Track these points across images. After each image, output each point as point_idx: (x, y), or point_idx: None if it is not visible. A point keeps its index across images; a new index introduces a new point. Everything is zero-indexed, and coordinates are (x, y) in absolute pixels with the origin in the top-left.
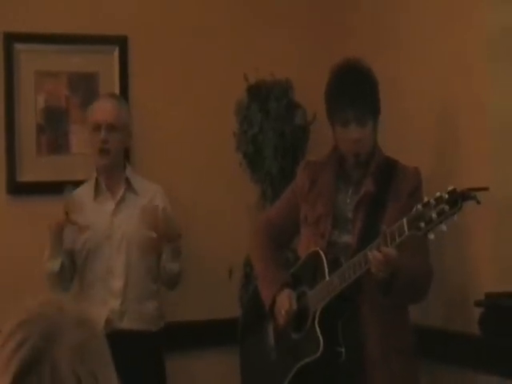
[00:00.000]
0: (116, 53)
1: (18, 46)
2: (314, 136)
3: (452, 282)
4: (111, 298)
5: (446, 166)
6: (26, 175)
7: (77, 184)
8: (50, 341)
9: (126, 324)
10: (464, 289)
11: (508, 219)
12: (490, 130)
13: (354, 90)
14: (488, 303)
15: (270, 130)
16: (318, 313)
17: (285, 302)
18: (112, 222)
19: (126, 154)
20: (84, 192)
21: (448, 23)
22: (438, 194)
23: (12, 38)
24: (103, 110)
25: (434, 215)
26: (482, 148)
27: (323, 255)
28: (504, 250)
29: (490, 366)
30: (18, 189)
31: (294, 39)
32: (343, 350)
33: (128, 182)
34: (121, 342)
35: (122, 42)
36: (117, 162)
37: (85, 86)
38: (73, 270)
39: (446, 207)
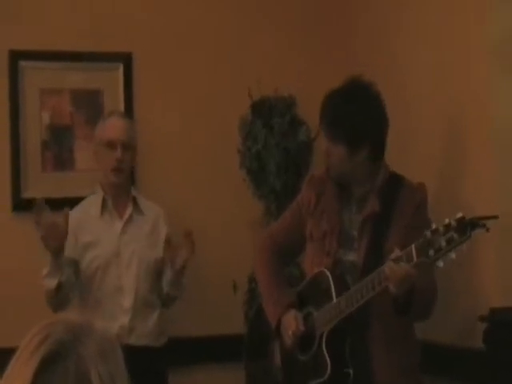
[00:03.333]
0: (120, 70)
1: (23, 64)
2: (317, 152)
3: (457, 298)
4: (121, 315)
5: (451, 181)
6: (31, 192)
7: (81, 200)
8: (76, 338)
9: (133, 340)
10: (469, 304)
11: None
12: (496, 145)
13: (333, 108)
14: (492, 318)
15: (273, 146)
16: (325, 335)
17: (292, 323)
18: (120, 241)
19: (131, 172)
20: (88, 209)
21: (450, 33)
22: (446, 220)
23: (17, 56)
24: (118, 128)
25: (443, 243)
26: (487, 165)
27: (330, 276)
28: (508, 266)
29: (495, 381)
30: (22, 205)
31: (298, 55)
32: (351, 370)
33: (135, 201)
34: (129, 358)
35: (126, 59)
36: (127, 181)
37: (89, 103)
38: (71, 288)
39: (455, 235)
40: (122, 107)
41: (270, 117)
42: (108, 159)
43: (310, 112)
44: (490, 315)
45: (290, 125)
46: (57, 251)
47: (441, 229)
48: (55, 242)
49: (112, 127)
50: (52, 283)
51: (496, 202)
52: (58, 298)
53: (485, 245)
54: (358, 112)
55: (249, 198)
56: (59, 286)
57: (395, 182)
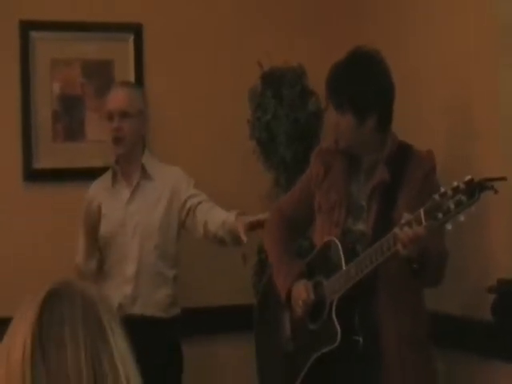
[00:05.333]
0: (131, 40)
1: (34, 34)
2: (327, 123)
3: (466, 269)
4: (124, 284)
5: (460, 151)
6: (42, 162)
7: (92, 171)
8: (76, 286)
9: (137, 309)
10: (478, 276)
11: None
12: (503, 116)
13: (339, 76)
14: (501, 289)
15: (283, 117)
16: (334, 303)
17: (302, 292)
18: (126, 210)
19: (142, 141)
20: (103, 182)
21: (460, 11)
22: (454, 183)
23: (28, 26)
24: (115, 98)
25: (451, 206)
26: (496, 135)
27: (339, 244)
28: None
29: (503, 352)
30: (34, 176)
31: (307, 25)
32: (360, 338)
33: (143, 168)
34: (133, 327)
35: (137, 30)
36: (133, 150)
37: (100, 74)
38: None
39: (464, 198)
40: (132, 78)
41: (279, 87)
42: (109, 131)
43: (320, 82)
44: (498, 286)
45: (300, 95)
46: (95, 232)
47: (449, 192)
48: (94, 226)
49: (110, 99)
50: (92, 265)
51: (506, 169)
52: (96, 274)
53: (495, 216)
54: (362, 79)
55: (258, 169)
56: (99, 264)
57: (404, 150)
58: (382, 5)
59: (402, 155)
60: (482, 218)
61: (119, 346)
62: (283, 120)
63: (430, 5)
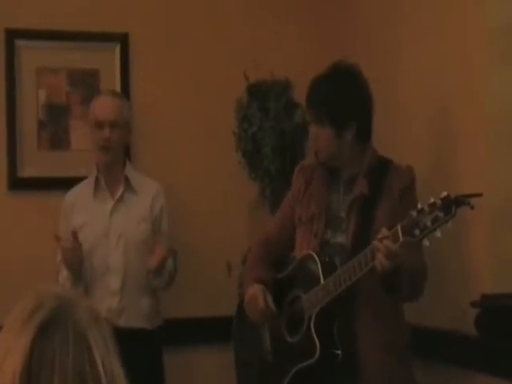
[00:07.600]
0: (117, 50)
1: (20, 43)
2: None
3: (449, 283)
4: (109, 297)
5: (443, 164)
6: (27, 171)
7: (76, 180)
8: (68, 306)
9: (124, 322)
10: (461, 290)
11: (504, 221)
12: (488, 129)
13: (317, 90)
14: (484, 304)
15: (269, 129)
16: (313, 317)
17: (259, 300)
18: (110, 221)
19: (126, 151)
20: (83, 189)
21: (448, 17)
22: (431, 200)
23: (13, 35)
24: (105, 107)
25: (428, 222)
26: (480, 149)
27: (317, 258)
28: (501, 252)
29: (486, 366)
30: (18, 184)
31: (294, 38)
32: (340, 351)
33: (127, 180)
34: (119, 340)
35: (123, 40)
36: (117, 159)
37: (86, 83)
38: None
39: (441, 214)
40: (118, 87)
41: (265, 100)
42: (97, 138)
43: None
44: (482, 301)
45: (286, 108)
46: (78, 269)
47: (426, 208)
48: (76, 264)
49: (99, 107)
50: (79, 291)
51: (488, 186)
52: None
53: (477, 230)
54: (340, 91)
55: (244, 180)
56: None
57: (383, 164)
58: (371, 18)
59: (382, 169)
60: (465, 234)
61: (109, 371)
62: (269, 132)
63: (416, 15)
